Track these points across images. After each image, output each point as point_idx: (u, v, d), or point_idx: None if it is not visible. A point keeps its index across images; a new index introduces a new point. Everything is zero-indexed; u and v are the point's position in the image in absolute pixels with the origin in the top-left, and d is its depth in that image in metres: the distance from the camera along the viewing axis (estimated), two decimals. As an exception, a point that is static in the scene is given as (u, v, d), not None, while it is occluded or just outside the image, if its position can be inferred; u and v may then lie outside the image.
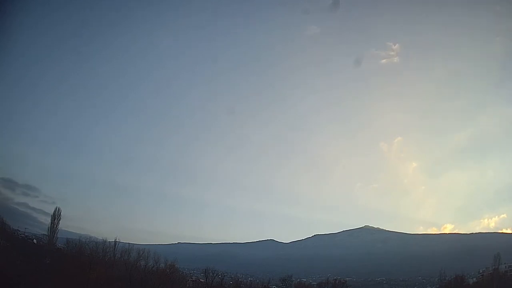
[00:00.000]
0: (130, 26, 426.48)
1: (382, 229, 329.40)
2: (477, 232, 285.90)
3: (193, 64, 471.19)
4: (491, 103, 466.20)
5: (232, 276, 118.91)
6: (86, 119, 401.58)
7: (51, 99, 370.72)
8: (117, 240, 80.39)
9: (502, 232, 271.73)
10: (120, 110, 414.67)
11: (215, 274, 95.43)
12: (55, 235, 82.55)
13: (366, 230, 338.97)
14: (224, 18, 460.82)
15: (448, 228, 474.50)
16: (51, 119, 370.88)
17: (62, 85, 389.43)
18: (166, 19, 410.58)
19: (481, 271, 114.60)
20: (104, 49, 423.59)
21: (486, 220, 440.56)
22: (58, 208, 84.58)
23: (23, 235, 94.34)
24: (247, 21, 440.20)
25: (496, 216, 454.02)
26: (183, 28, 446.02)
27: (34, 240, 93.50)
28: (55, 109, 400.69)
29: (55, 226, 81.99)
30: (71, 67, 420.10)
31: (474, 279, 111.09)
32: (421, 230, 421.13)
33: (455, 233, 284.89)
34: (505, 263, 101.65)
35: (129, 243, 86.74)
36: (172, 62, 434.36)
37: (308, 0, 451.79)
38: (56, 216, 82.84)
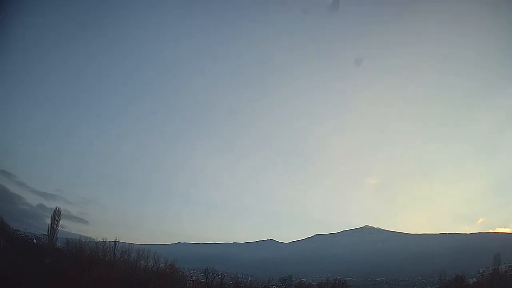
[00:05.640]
0: (133, 28, 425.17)
1: (382, 229, 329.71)
2: (477, 232, 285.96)
3: (194, 65, 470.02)
4: (487, 105, 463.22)
5: (232, 276, 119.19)
6: (87, 119, 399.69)
7: (59, 100, 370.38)
8: (117, 240, 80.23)
9: (502, 232, 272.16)
10: (114, 108, 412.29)
11: (215, 274, 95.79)
12: (55, 235, 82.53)
13: (366, 230, 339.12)
14: (224, 17, 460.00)
15: (448, 228, 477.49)
16: (57, 118, 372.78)
17: (69, 85, 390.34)
18: (167, 20, 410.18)
19: (481, 271, 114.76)
20: (105, 49, 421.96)
21: (486, 220, 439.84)
22: (58, 208, 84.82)
23: (23, 235, 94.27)
24: (246, 20, 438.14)
25: (496, 216, 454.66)
26: (183, 30, 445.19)
27: (34, 240, 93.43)
28: (60, 108, 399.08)
29: (55, 226, 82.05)
30: (78, 69, 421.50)
31: (474, 279, 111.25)
32: (421, 230, 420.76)
33: (455, 233, 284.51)
34: (505, 263, 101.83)
35: (129, 243, 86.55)
36: (174, 63, 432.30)
37: (308, 0, 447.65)
38: (56, 216, 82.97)
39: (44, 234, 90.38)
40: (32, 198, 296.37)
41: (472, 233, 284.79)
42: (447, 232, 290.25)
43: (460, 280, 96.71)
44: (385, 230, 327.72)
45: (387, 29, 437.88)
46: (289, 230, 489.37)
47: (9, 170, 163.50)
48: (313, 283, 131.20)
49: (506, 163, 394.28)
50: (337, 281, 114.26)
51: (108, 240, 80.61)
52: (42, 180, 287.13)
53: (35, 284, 52.25)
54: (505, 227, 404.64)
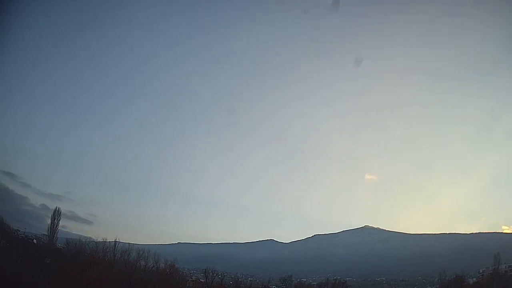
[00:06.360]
0: (134, 30, 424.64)
1: (382, 229, 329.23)
2: (477, 232, 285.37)
3: (194, 65, 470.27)
4: (488, 104, 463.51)
5: (232, 276, 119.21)
6: (87, 119, 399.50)
7: (59, 100, 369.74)
8: (117, 240, 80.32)
9: (502, 232, 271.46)
10: (114, 108, 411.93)
11: (215, 274, 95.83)
12: (55, 235, 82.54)
13: (366, 230, 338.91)
14: (224, 17, 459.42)
15: (448, 228, 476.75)
16: (58, 117, 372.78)
17: (69, 85, 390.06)
18: (167, 20, 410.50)
19: (481, 271, 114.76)
20: (105, 49, 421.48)
21: (486, 219, 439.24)
22: (58, 208, 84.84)
23: (23, 235, 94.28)
24: (246, 20, 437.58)
25: (497, 216, 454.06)
26: (183, 30, 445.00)
27: (34, 240, 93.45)
28: (60, 108, 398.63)
29: (55, 226, 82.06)
30: (78, 69, 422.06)
31: (474, 279, 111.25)
32: (421, 230, 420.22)
33: (455, 233, 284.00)
34: (505, 263, 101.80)
35: (129, 243, 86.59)
36: (174, 63, 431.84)
37: (308, 0, 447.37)
38: (56, 216, 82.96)
39: (44, 234, 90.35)
40: (37, 199, 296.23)
41: (472, 233, 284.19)
42: (447, 232, 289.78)
43: (460, 280, 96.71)
44: (385, 230, 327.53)
45: (387, 29, 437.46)
46: (289, 230, 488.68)
47: (12, 171, 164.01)
48: (313, 283, 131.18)
49: (506, 163, 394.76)
50: (337, 281, 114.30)
51: (108, 240, 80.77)
52: (46, 181, 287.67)
53: (35, 284, 52.28)
54: (505, 227, 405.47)
